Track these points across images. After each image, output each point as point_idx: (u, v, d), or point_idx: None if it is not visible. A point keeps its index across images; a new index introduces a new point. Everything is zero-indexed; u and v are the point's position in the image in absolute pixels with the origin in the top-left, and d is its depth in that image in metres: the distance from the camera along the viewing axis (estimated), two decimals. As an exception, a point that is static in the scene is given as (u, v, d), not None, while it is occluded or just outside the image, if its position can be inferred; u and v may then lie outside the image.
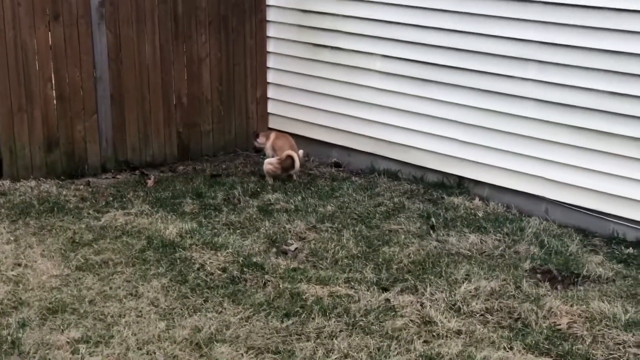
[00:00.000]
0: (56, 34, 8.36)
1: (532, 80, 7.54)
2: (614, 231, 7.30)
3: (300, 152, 8.68)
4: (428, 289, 6.22)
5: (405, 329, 5.68)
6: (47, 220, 7.42)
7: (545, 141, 7.58)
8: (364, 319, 5.80)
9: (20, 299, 6.03)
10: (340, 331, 5.65)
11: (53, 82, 8.44)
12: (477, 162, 8.11)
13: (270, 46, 9.67)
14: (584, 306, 5.95)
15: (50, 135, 8.48)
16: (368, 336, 5.59)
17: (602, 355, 5.41)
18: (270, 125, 9.73)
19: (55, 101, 8.47)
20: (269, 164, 8.61)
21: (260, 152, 9.14)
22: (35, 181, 8.35)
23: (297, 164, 8.53)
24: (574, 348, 5.46)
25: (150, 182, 8.51)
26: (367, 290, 6.21)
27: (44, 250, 6.83)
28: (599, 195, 7.32)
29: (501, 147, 7.88)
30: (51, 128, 8.48)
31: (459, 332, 5.66)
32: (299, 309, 5.93)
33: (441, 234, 7.24)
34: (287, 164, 8.53)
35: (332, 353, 5.38)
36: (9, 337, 5.48)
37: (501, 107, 7.80)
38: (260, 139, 8.94)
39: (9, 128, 8.25)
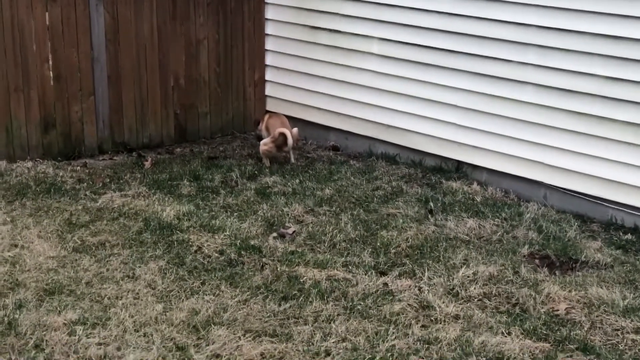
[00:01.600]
0: (53, 14, 8.31)
1: (531, 64, 7.51)
2: (612, 217, 7.29)
3: (295, 130, 8.62)
4: (426, 274, 6.21)
5: (403, 314, 5.66)
6: (44, 202, 7.40)
7: (544, 126, 7.55)
8: (362, 303, 5.79)
9: (17, 280, 6.01)
10: (338, 315, 5.63)
11: (50, 62, 8.40)
12: (476, 147, 8.09)
13: (269, 28, 9.62)
14: (582, 292, 5.95)
15: (47, 115, 8.44)
16: (366, 320, 5.57)
17: (600, 341, 5.39)
18: (268, 108, 9.70)
19: (52, 82, 8.43)
20: (264, 144, 8.57)
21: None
22: (32, 162, 8.32)
23: (290, 140, 8.47)
24: (572, 334, 5.45)
25: (147, 164, 8.48)
26: (365, 274, 6.20)
27: (40, 232, 6.81)
28: (597, 181, 7.31)
29: (500, 131, 7.86)
30: (48, 108, 8.44)
31: (456, 317, 5.65)
32: (296, 292, 5.92)
33: (439, 219, 7.22)
34: (280, 141, 8.48)
35: (330, 337, 5.37)
36: (5, 318, 5.46)
37: (500, 92, 7.77)
38: (260, 125, 8.93)
39: (6, 108, 8.21)
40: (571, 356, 5.24)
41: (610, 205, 7.29)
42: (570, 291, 5.95)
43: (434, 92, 8.28)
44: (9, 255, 6.37)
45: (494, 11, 7.68)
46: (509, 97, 7.73)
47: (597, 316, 5.67)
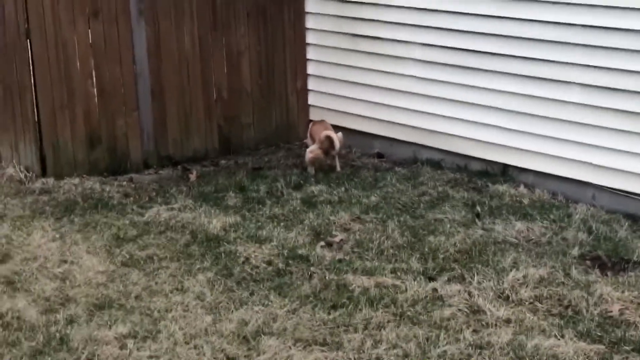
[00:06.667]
0: (96, 30, 8.37)
1: (577, 64, 7.42)
2: (663, 216, 7.20)
3: (339, 134, 8.59)
4: (475, 278, 6.15)
5: (453, 319, 5.62)
6: (91, 217, 7.44)
7: (591, 126, 7.46)
8: (412, 309, 5.75)
9: (67, 295, 6.05)
10: (388, 322, 5.60)
11: (94, 78, 8.45)
12: (522, 149, 8.01)
13: (310, 37, 9.62)
14: (636, 292, 5.86)
15: (92, 131, 8.50)
16: (416, 326, 5.53)
17: (656, 342, 5.32)
18: (311, 117, 9.68)
19: (96, 98, 8.48)
20: (310, 152, 8.55)
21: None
22: (79, 178, 8.36)
23: (337, 143, 8.44)
24: (626, 335, 5.37)
25: (192, 177, 8.50)
26: (414, 280, 6.15)
27: (89, 247, 6.84)
28: (647, 180, 7.23)
29: (546, 133, 7.78)
30: (93, 124, 8.49)
31: (508, 321, 5.59)
32: (345, 300, 5.89)
33: (487, 222, 7.16)
34: (326, 144, 8.45)
35: (381, 344, 5.34)
36: (57, 334, 5.49)
37: (546, 93, 7.70)
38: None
39: (52, 125, 8.28)
40: (627, 358, 5.17)
41: (661, 204, 7.21)
42: (623, 292, 5.87)
43: (478, 96, 8.23)
44: (59, 272, 6.41)
45: (537, 12, 7.61)
46: (554, 98, 7.66)
47: (651, 317, 5.59)
